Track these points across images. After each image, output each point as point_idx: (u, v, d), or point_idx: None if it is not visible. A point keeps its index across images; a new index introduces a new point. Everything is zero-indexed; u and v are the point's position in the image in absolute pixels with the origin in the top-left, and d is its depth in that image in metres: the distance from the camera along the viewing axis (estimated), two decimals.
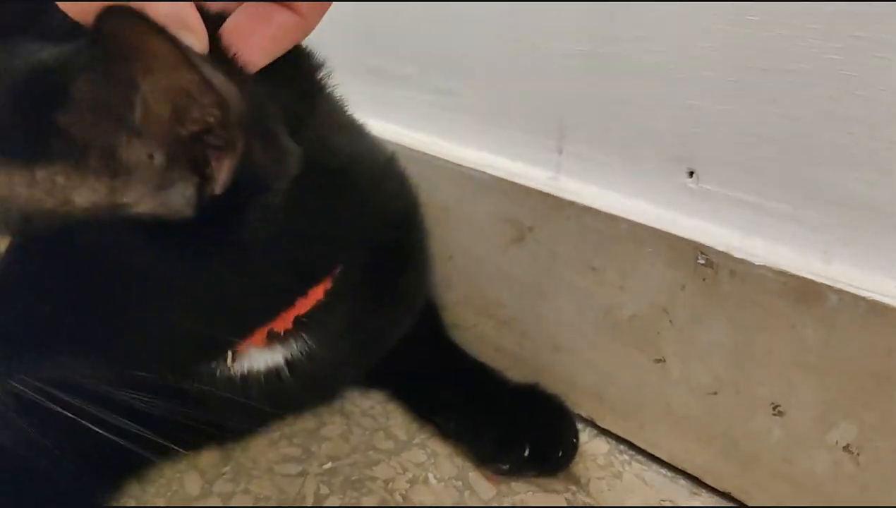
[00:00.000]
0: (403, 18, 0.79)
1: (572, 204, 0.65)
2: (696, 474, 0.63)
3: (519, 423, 0.64)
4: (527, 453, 0.62)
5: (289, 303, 0.50)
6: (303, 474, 0.64)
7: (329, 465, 0.65)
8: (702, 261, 0.58)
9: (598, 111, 0.65)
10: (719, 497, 0.61)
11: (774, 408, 0.57)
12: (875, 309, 0.50)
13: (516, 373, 0.70)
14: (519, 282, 0.71)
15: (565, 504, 0.61)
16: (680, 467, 0.64)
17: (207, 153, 0.39)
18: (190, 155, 0.39)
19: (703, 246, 0.58)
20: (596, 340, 0.67)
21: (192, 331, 0.43)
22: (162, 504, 0.60)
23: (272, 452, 0.66)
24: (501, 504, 0.61)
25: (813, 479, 0.56)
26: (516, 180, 0.69)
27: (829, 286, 0.52)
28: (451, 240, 0.76)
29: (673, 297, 0.60)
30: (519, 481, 0.63)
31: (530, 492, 0.62)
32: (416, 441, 0.68)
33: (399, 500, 0.61)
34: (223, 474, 0.63)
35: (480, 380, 0.69)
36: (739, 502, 0.60)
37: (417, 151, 0.76)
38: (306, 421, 0.70)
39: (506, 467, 0.63)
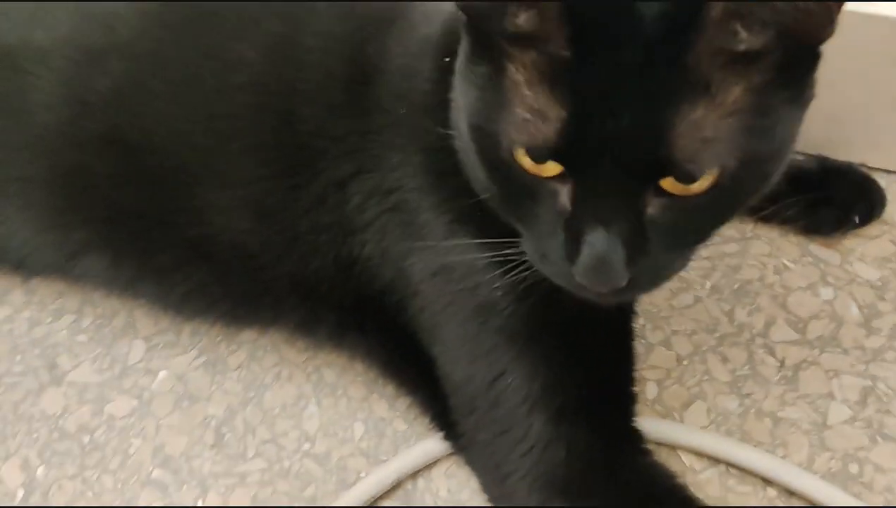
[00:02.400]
0: None
1: None
2: None
3: (842, 197, 0.81)
4: (858, 220, 0.80)
5: None
6: (698, 300, 0.79)
7: (708, 284, 0.80)
8: None
9: None
10: None
11: None
12: None
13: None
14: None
15: (892, 245, 0.81)
16: None
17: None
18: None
19: None
20: None
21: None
22: None
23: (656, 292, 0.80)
24: (850, 263, 0.80)
25: None
26: None
27: None
28: None
29: None
30: (846, 238, 0.82)
31: (860, 246, 0.81)
32: (750, 235, 0.83)
33: (781, 291, 0.79)
34: (642, 326, 0.78)
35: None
36: None
37: None
38: None
39: (838, 234, 0.81)
